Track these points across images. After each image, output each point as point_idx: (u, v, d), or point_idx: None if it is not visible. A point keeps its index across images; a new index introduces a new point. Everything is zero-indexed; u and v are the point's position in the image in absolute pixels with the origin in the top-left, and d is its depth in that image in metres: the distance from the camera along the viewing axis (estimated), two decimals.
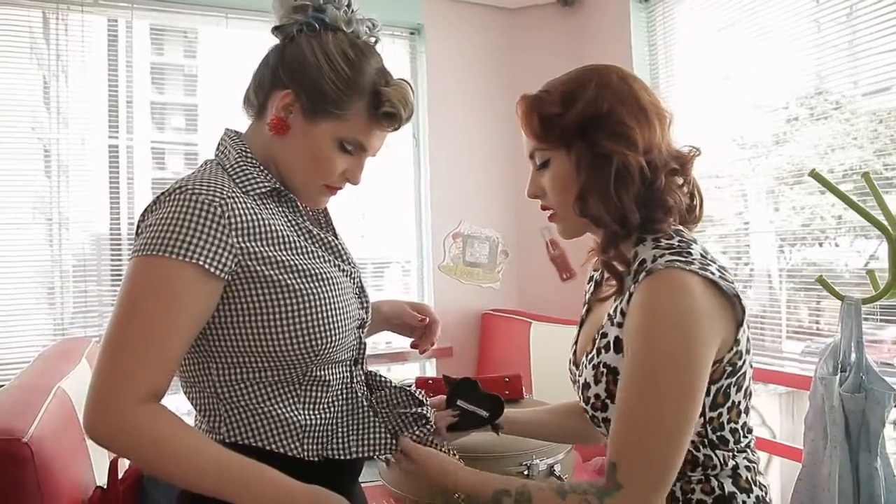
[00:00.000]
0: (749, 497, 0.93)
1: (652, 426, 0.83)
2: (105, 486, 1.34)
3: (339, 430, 0.99)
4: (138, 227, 0.91)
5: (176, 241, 0.83)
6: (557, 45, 3.18)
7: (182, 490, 0.94)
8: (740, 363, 0.90)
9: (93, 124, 2.63)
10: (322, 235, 1.02)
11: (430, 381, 2.41)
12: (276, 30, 1.01)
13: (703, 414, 0.90)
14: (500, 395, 1.18)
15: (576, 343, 1.09)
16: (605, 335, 0.94)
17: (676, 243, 0.91)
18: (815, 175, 1.60)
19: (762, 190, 2.46)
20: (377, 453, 1.01)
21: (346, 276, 1.02)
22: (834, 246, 2.33)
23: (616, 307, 0.93)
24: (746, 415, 0.96)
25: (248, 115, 1.04)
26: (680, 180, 0.97)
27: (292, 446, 0.94)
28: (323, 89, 0.95)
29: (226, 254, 0.86)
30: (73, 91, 2.58)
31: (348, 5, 1.00)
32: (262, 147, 0.99)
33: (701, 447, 0.93)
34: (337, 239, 1.06)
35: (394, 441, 1.04)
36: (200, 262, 0.83)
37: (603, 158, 0.90)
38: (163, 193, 0.89)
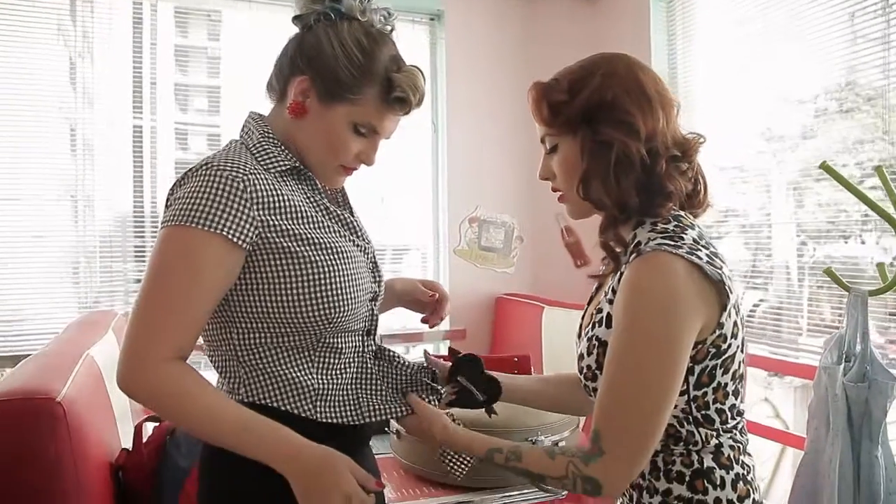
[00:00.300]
0: (728, 473, 0.96)
1: (632, 398, 0.89)
2: (130, 449, 1.43)
3: (350, 395, 1.06)
4: (168, 200, 0.98)
5: (203, 213, 0.90)
6: (576, 36, 3.15)
7: (204, 454, 1.03)
8: (725, 346, 0.94)
9: (118, 105, 2.67)
10: (339, 212, 1.08)
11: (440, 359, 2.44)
12: (296, 19, 1.06)
13: (686, 392, 0.94)
14: (499, 381, 1.20)
15: (582, 318, 1.15)
16: (600, 311, 1.00)
17: (672, 228, 0.95)
18: (825, 167, 1.61)
19: (786, 184, 2.42)
20: (385, 416, 1.08)
21: (361, 251, 1.09)
22: (860, 243, 2.28)
23: (611, 285, 0.99)
24: (735, 397, 0.98)
25: (271, 99, 1.10)
26: (684, 166, 1.00)
27: (305, 408, 1.00)
28: (338, 75, 1.00)
29: (248, 226, 0.92)
30: (98, 72, 2.62)
31: None
32: (282, 129, 1.05)
33: (685, 423, 0.96)
34: (353, 216, 1.14)
35: (401, 408, 1.10)
36: (225, 233, 0.90)
37: (605, 145, 0.95)
38: (190, 169, 0.96)
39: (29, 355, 1.54)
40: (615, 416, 0.90)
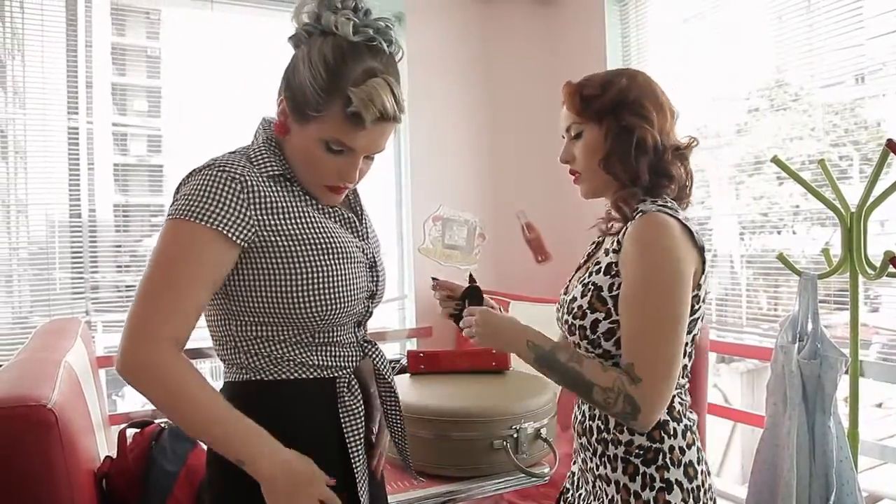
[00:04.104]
0: (679, 425, 1.14)
1: (658, 330, 1.04)
2: (114, 457, 1.42)
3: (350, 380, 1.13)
4: (174, 195, 1.02)
5: (202, 209, 0.95)
6: (534, 37, 3.25)
7: (209, 458, 1.06)
8: (697, 307, 1.11)
9: (51, 106, 2.55)
10: (339, 210, 1.12)
11: (422, 355, 2.47)
12: (290, 39, 1.07)
13: None
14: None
15: (574, 274, 1.30)
16: (598, 263, 1.16)
17: (669, 205, 1.14)
18: (776, 161, 1.73)
19: (724, 179, 2.55)
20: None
21: (360, 250, 1.12)
22: (791, 233, 2.43)
23: (614, 240, 1.15)
24: (689, 359, 1.16)
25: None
26: (683, 159, 1.20)
27: (310, 374, 1.08)
28: (305, 95, 1.01)
29: (244, 224, 0.97)
30: (29, 71, 2.49)
31: (345, 8, 1.02)
32: (284, 145, 1.09)
33: None
34: (357, 215, 1.18)
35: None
36: (220, 229, 0.95)
37: (627, 131, 1.14)
38: (196, 168, 1.01)
39: None
40: (645, 347, 1.04)
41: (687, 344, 1.11)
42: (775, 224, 2.46)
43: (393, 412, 1.23)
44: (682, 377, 1.15)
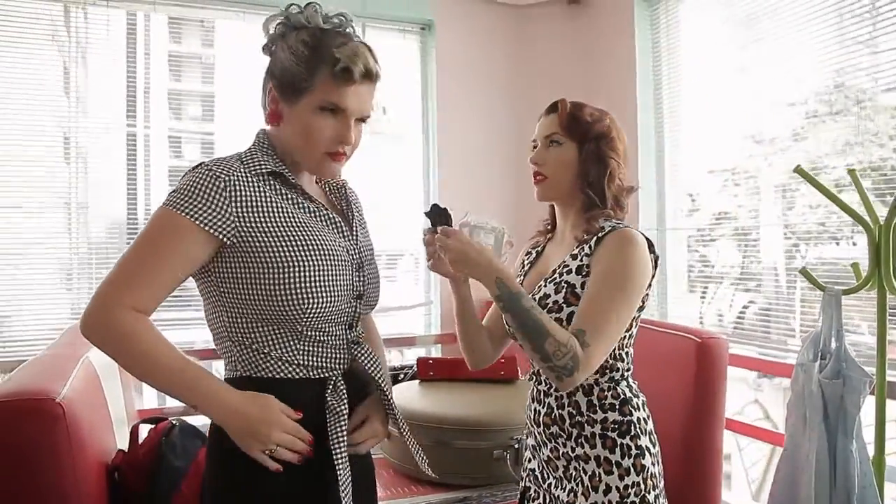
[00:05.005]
0: (638, 399, 1.35)
1: (611, 313, 1.23)
2: (126, 450, 1.47)
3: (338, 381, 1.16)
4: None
5: (185, 202, 1.04)
6: (564, 43, 3.21)
7: (210, 446, 1.14)
8: (643, 305, 1.33)
9: (112, 112, 2.67)
10: (325, 212, 1.17)
11: (431, 361, 2.48)
12: (263, 49, 1.18)
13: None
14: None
15: (541, 275, 1.44)
16: (566, 266, 1.34)
17: (625, 223, 1.35)
18: (799, 171, 1.64)
19: (776, 186, 2.44)
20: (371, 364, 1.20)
21: (345, 250, 1.17)
22: (851, 244, 2.30)
23: (584, 246, 1.32)
24: (631, 343, 1.37)
25: (266, 121, 1.20)
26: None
27: (297, 374, 1.12)
28: (291, 74, 1.10)
29: (221, 219, 1.05)
30: (92, 79, 2.62)
31: (310, 6, 1.13)
32: (278, 141, 1.17)
33: (610, 357, 1.30)
34: (345, 218, 1.24)
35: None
36: (197, 222, 1.03)
37: (602, 160, 1.36)
38: (190, 168, 1.10)
39: (22, 361, 1.55)
40: (599, 324, 1.22)
41: (630, 335, 1.34)
42: (833, 234, 2.34)
43: (390, 413, 1.25)
44: (629, 366, 1.36)
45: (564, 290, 1.30)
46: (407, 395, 2.18)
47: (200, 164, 1.08)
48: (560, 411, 1.33)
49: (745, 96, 2.51)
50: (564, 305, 1.29)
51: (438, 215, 1.31)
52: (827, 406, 1.54)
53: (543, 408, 1.37)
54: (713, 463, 1.77)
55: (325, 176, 1.23)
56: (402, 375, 2.57)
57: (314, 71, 1.09)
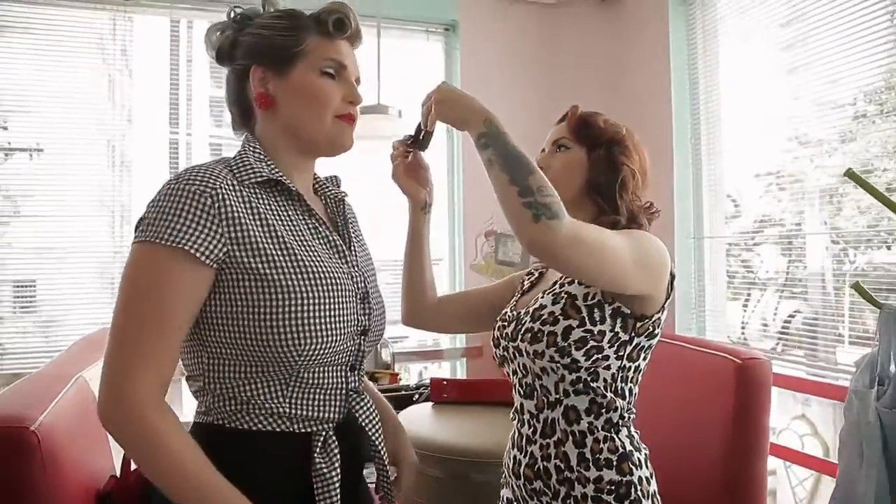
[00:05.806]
0: (640, 454, 1.14)
1: (611, 237, 1.06)
2: (118, 476, 1.35)
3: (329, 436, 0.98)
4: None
5: (166, 229, 0.85)
6: (594, 43, 3.11)
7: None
8: (656, 332, 1.16)
9: (155, 120, 2.73)
10: (327, 234, 1.02)
11: (445, 382, 2.43)
12: (219, 60, 1.07)
13: (621, 357, 1.13)
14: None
15: (516, 302, 1.32)
16: (569, 276, 1.18)
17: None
18: (850, 174, 1.54)
19: (823, 190, 2.36)
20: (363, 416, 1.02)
21: (349, 277, 1.01)
22: None
23: None
24: (636, 387, 1.18)
25: (241, 127, 1.08)
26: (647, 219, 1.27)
27: (279, 425, 0.94)
28: (278, 45, 1.00)
29: (214, 241, 0.87)
30: (136, 87, 2.68)
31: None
32: (269, 138, 1.03)
33: (608, 390, 1.14)
34: (347, 241, 1.07)
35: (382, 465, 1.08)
36: (188, 248, 0.85)
37: (615, 165, 1.23)
38: (165, 182, 0.91)
39: None
40: (599, 232, 1.06)
41: (637, 367, 1.16)
42: (884, 238, 2.25)
43: (383, 484, 1.10)
44: (631, 408, 1.16)
45: (563, 300, 1.13)
46: (420, 421, 2.08)
47: (175, 179, 0.89)
48: (545, 463, 1.12)
49: (789, 97, 2.44)
50: (561, 318, 1.11)
51: (420, 134, 1.27)
52: (887, 439, 1.37)
53: (525, 457, 1.15)
54: (755, 500, 1.59)
55: (340, 147, 1.05)
56: (416, 396, 2.53)
57: (302, 33, 1.00)
